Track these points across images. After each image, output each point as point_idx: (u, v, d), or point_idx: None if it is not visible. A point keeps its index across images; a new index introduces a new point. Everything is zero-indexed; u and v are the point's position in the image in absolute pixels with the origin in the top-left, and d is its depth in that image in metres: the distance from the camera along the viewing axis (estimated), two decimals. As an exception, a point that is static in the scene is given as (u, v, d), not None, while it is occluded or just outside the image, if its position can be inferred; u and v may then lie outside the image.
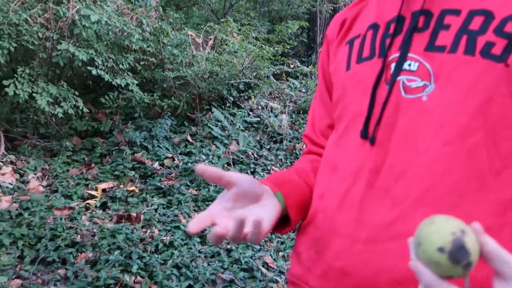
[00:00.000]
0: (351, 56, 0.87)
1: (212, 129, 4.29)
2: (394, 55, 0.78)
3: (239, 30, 6.26)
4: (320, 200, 0.86)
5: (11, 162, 3.71)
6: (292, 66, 5.76)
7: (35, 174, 3.66)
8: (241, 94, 5.22)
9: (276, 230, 0.88)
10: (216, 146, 4.50)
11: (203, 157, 4.26)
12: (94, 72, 4.00)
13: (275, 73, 5.69)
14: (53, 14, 4.04)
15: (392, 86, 0.76)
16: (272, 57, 5.02)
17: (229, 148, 4.37)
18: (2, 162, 3.61)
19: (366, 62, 0.83)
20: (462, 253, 0.48)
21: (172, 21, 5.24)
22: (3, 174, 3.46)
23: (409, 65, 0.75)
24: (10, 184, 3.40)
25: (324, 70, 1.00)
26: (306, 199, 0.90)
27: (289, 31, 5.64)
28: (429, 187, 0.69)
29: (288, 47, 5.22)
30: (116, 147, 4.17)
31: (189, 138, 4.56)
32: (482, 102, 0.69)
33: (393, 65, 0.77)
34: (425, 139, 0.71)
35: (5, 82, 3.60)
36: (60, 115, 3.84)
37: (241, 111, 4.94)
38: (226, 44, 4.89)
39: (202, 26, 6.31)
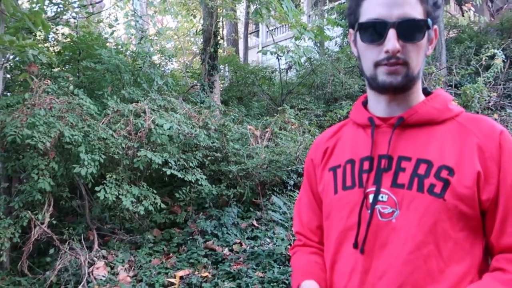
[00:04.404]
0: (337, 182, 1.27)
1: (273, 215, 4.73)
2: (371, 188, 1.18)
3: (296, 115, 6.82)
4: None
5: (103, 257, 4.31)
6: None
7: (123, 266, 4.23)
8: (300, 177, 5.65)
9: None
10: (281, 228, 4.89)
11: (268, 240, 4.67)
12: (168, 172, 4.64)
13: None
14: (133, 126, 4.79)
15: (372, 212, 1.16)
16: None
17: (291, 230, 4.75)
18: (96, 257, 4.22)
19: (350, 190, 1.22)
20: None
21: (233, 117, 5.89)
22: (97, 268, 4.06)
23: (382, 197, 1.15)
24: (103, 276, 3.97)
25: (312, 186, 1.39)
26: None
27: (339, 116, 6.11)
28: (401, 283, 1.08)
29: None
30: (190, 237, 4.70)
31: (255, 223, 5.00)
32: (431, 224, 1.08)
33: (371, 196, 1.17)
34: (396, 250, 1.10)
35: (96, 188, 4.28)
36: (142, 212, 4.46)
37: (300, 194, 5.35)
38: (280, 138, 5.43)
39: (261, 116, 6.93)
